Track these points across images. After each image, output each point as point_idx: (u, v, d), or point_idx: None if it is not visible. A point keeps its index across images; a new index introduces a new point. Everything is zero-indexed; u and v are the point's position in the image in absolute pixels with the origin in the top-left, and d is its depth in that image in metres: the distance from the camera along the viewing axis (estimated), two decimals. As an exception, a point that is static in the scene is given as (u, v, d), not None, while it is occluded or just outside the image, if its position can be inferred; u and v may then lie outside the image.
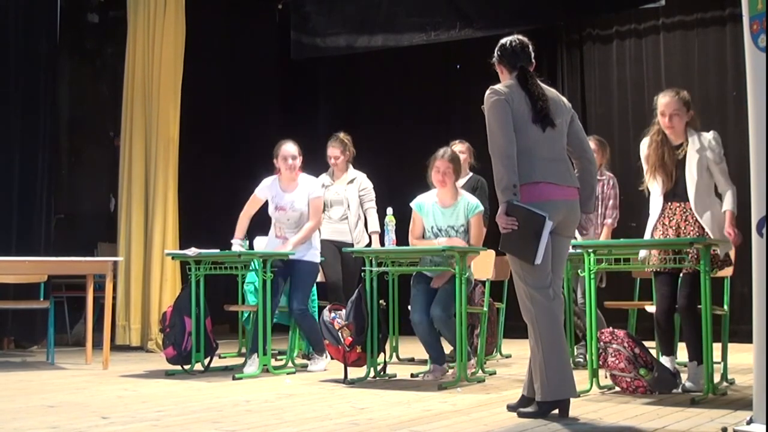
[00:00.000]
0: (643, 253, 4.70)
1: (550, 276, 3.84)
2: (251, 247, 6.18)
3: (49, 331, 6.55)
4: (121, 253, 7.67)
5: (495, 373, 5.60)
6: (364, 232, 6.65)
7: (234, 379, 5.41)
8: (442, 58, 9.45)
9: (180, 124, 7.87)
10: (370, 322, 5.24)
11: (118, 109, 8.09)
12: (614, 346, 4.57)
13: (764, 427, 3.10)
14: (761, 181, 3.22)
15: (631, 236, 5.77)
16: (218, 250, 5.90)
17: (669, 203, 4.66)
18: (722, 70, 8.23)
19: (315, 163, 6.63)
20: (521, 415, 3.82)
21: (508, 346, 6.90)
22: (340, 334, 5.22)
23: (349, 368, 5.22)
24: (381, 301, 5.41)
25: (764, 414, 3.12)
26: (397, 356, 6.56)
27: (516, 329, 6.34)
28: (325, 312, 5.39)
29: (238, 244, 5.95)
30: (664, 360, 4.70)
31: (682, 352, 4.75)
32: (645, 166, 4.77)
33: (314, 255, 5.97)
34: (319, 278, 6.37)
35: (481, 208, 5.50)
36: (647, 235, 4.72)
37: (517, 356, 6.53)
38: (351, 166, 6.69)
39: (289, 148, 5.98)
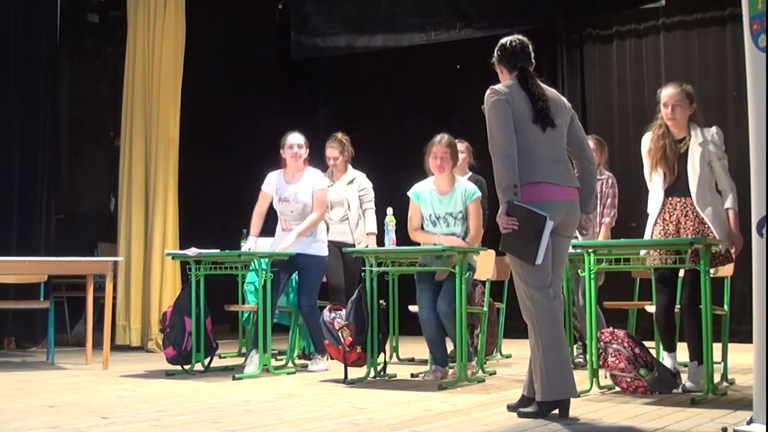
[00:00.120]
0: (647, 236, 4.71)
1: (550, 276, 3.84)
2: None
3: (49, 331, 6.55)
4: (121, 253, 7.67)
5: (495, 373, 5.60)
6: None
7: (234, 379, 5.41)
8: (442, 58, 9.45)
9: (180, 124, 7.88)
10: (370, 322, 5.24)
11: (118, 109, 8.10)
12: (614, 346, 4.57)
13: (764, 427, 3.10)
14: (761, 181, 3.22)
15: (631, 236, 5.77)
16: (218, 250, 5.90)
17: (669, 198, 4.66)
18: (722, 70, 8.23)
19: (315, 163, 6.61)
20: (521, 415, 3.82)
21: (508, 346, 6.91)
22: (340, 334, 5.22)
23: (349, 368, 5.22)
24: (381, 301, 5.41)
25: (764, 414, 3.12)
26: (397, 356, 6.56)
27: (516, 329, 6.34)
28: (326, 312, 5.39)
29: (252, 242, 5.94)
30: (666, 357, 4.70)
31: (683, 351, 4.75)
32: (646, 161, 4.76)
33: (320, 248, 5.95)
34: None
35: (479, 193, 5.44)
36: (648, 231, 4.72)
37: (517, 356, 6.53)
38: (350, 166, 6.69)
39: (295, 137, 6.01)
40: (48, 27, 7.97)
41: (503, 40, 4.06)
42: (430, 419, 3.82)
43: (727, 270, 4.98)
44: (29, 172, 7.71)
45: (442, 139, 5.42)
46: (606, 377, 4.74)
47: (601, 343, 4.62)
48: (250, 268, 5.98)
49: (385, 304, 5.56)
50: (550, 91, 3.99)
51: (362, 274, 5.39)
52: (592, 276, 4.60)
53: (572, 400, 3.85)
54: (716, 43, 8.35)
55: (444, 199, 5.42)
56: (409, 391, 4.77)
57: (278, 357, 6.62)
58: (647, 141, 4.76)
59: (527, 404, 3.90)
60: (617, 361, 4.54)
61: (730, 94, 8.09)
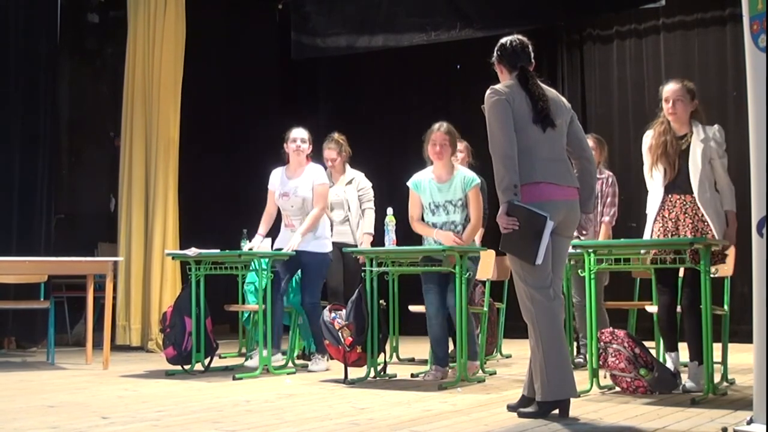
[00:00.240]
0: (647, 235, 4.71)
1: (550, 276, 3.84)
2: (271, 244, 6.17)
3: (49, 331, 6.55)
4: (121, 253, 7.67)
5: (495, 373, 5.60)
6: (366, 233, 6.64)
7: (234, 379, 5.41)
8: (442, 58, 9.44)
9: (180, 125, 7.88)
10: (371, 322, 5.24)
11: (118, 110, 8.10)
12: (614, 346, 4.57)
13: (764, 427, 3.10)
14: (761, 181, 3.22)
15: (631, 236, 5.77)
16: (218, 250, 5.90)
17: (669, 195, 4.66)
18: (722, 70, 8.24)
19: (316, 162, 6.62)
20: (521, 415, 3.82)
21: (508, 346, 6.91)
22: (340, 334, 5.22)
23: (349, 368, 5.22)
24: (381, 301, 5.41)
25: (764, 414, 3.12)
26: (398, 356, 6.56)
27: (516, 329, 6.34)
28: (326, 312, 5.39)
29: (258, 240, 5.95)
30: (669, 357, 4.69)
31: (683, 351, 4.75)
32: (646, 158, 4.76)
33: (321, 245, 5.95)
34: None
35: (478, 180, 5.41)
36: (648, 229, 4.73)
37: (517, 356, 6.53)
38: (348, 166, 6.68)
39: (298, 131, 6.03)
40: (48, 27, 7.97)
41: (503, 40, 4.06)
42: (430, 419, 3.82)
43: (727, 270, 4.98)
44: (29, 172, 7.72)
45: (441, 126, 5.42)
46: (606, 377, 4.74)
47: (601, 343, 4.62)
48: (250, 268, 5.99)
49: (385, 304, 5.56)
50: (550, 91, 3.99)
51: (362, 274, 5.38)
52: (592, 276, 4.60)
53: (572, 400, 3.85)
54: (716, 43, 8.35)
55: (443, 187, 5.41)
56: (409, 391, 4.77)
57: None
58: (648, 138, 4.77)
59: (527, 404, 3.90)
60: (617, 361, 4.54)
61: (730, 94, 8.09)
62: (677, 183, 4.64)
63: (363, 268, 5.37)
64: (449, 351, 5.57)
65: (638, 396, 4.45)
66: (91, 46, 9.14)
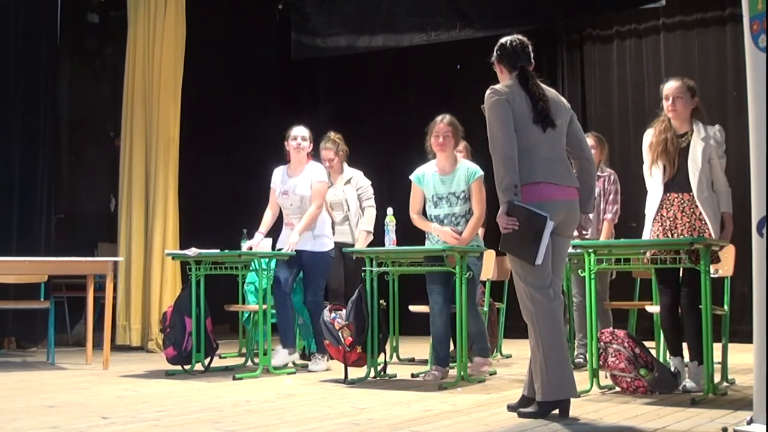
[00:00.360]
0: (646, 236, 4.72)
1: (550, 276, 3.84)
2: (273, 244, 6.17)
3: (49, 331, 6.55)
4: (121, 253, 7.68)
5: (495, 373, 5.59)
6: (366, 232, 6.63)
7: (234, 379, 5.41)
8: (442, 58, 9.45)
9: (180, 124, 7.88)
10: (371, 322, 5.24)
11: (118, 109, 8.10)
12: (614, 346, 4.57)
13: (764, 427, 3.10)
14: (761, 181, 3.22)
15: (631, 236, 5.76)
16: (218, 250, 5.90)
17: (667, 194, 4.66)
18: (722, 70, 8.24)
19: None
20: (521, 415, 3.82)
21: (508, 346, 6.91)
22: (340, 334, 5.22)
23: (349, 368, 5.22)
24: (381, 301, 5.41)
25: (764, 414, 3.11)
26: (398, 356, 6.56)
27: (516, 329, 6.34)
28: (326, 312, 5.39)
29: (259, 239, 5.96)
30: (672, 361, 4.67)
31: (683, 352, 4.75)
32: (646, 156, 4.77)
33: (321, 244, 5.95)
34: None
35: (481, 173, 5.38)
36: (647, 229, 4.73)
37: (517, 356, 6.53)
38: (346, 165, 6.67)
39: (299, 129, 6.05)
40: (48, 27, 7.97)
41: (503, 40, 4.06)
42: (430, 419, 3.82)
43: (727, 270, 4.98)
44: (29, 172, 7.72)
45: (443, 118, 5.42)
46: (606, 377, 4.74)
47: (602, 344, 4.62)
48: (251, 268, 5.99)
49: (385, 304, 5.56)
50: (550, 91, 3.99)
51: (362, 274, 5.39)
52: (593, 276, 4.60)
53: (572, 400, 3.85)
54: (716, 43, 8.35)
55: (446, 179, 5.41)
56: (409, 391, 4.77)
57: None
58: (649, 137, 4.77)
59: (527, 404, 3.90)
60: (617, 361, 4.54)
61: (730, 94, 8.10)
62: (676, 181, 4.64)
63: (363, 268, 5.36)
64: (450, 351, 5.56)
65: (638, 396, 4.45)
66: (91, 46, 9.14)
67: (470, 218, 5.35)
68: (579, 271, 5.11)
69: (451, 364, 5.42)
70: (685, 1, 8.46)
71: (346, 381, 5.14)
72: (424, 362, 6.19)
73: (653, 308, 5.01)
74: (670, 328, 4.71)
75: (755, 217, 3.24)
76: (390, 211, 5.49)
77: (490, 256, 5.86)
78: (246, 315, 6.65)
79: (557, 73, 9.04)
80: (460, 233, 5.31)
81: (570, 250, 4.39)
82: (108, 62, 9.03)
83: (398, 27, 8.61)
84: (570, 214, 3.91)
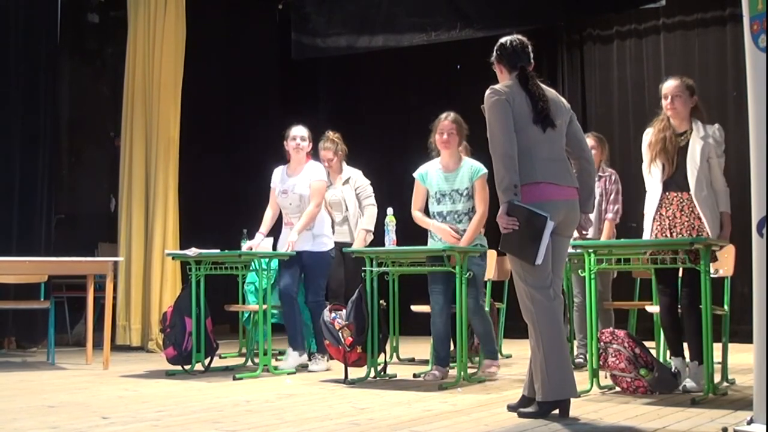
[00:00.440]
0: (646, 235, 4.72)
1: (550, 276, 3.84)
2: (274, 244, 6.18)
3: (49, 331, 6.55)
4: (121, 254, 7.68)
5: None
6: (365, 231, 6.63)
7: (234, 379, 5.41)
8: (442, 58, 9.44)
9: (180, 124, 7.88)
10: (371, 322, 5.24)
11: (118, 110, 8.10)
12: (614, 346, 4.57)
13: (764, 427, 3.10)
14: (761, 181, 3.22)
15: (631, 236, 5.77)
16: (218, 250, 5.90)
17: (666, 193, 4.67)
18: (722, 70, 8.24)
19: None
20: (521, 415, 3.82)
21: (508, 346, 6.90)
22: (340, 334, 5.22)
23: (349, 368, 5.21)
24: (381, 301, 5.41)
25: (764, 414, 3.12)
26: (398, 356, 6.56)
27: (516, 329, 6.34)
28: (326, 312, 5.39)
29: (259, 239, 5.97)
30: (673, 362, 4.67)
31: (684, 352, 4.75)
32: (646, 155, 4.77)
33: (320, 244, 5.95)
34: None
35: (485, 170, 5.36)
36: (647, 229, 4.73)
37: (517, 356, 6.53)
38: (345, 165, 6.67)
39: (298, 129, 6.06)
40: (48, 27, 7.97)
41: (503, 40, 4.06)
42: (430, 419, 3.82)
43: (727, 270, 4.98)
44: (29, 172, 7.72)
45: (448, 115, 5.42)
46: (606, 377, 4.74)
47: (602, 344, 4.62)
48: (251, 268, 5.99)
49: (385, 304, 5.56)
50: (550, 92, 3.99)
51: (362, 274, 5.39)
52: (593, 276, 4.60)
53: (572, 400, 3.85)
54: (716, 43, 8.35)
55: (450, 176, 5.41)
56: (409, 391, 4.77)
57: (278, 357, 6.62)
58: (648, 135, 4.78)
59: (527, 404, 3.90)
60: (617, 362, 4.54)
61: (730, 94, 8.10)
62: (675, 179, 4.65)
63: (363, 268, 5.36)
64: (450, 351, 5.56)
65: (638, 396, 4.45)
66: (91, 46, 9.14)
67: (473, 216, 5.34)
68: (579, 271, 5.11)
69: (451, 364, 5.42)
70: (685, 1, 8.46)
71: (346, 381, 5.14)
72: (424, 362, 6.19)
73: (653, 308, 5.01)
74: (670, 328, 4.71)
75: (755, 217, 3.24)
76: (390, 211, 5.49)
77: (490, 256, 5.86)
78: (246, 315, 6.65)
79: (557, 73, 9.04)
80: (460, 231, 5.30)
81: (570, 250, 4.39)
82: (108, 62, 9.03)
83: (398, 27, 8.61)
84: (570, 214, 3.91)
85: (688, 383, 4.54)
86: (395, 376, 5.47)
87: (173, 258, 6.71)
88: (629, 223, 6.97)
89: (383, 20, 8.69)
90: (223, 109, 9.57)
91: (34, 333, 7.65)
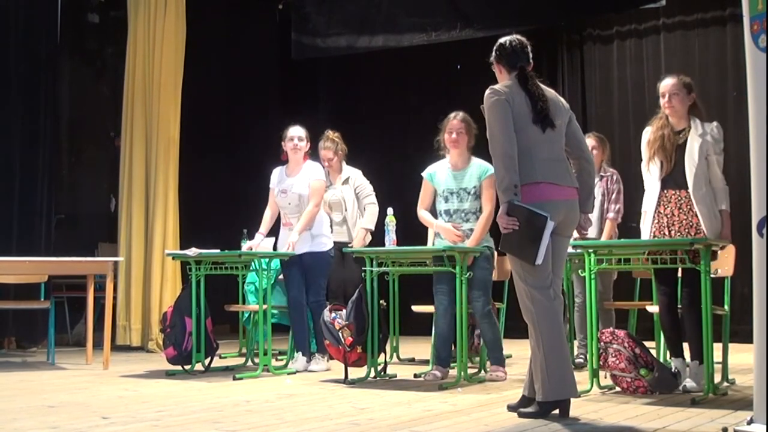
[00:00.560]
0: (645, 234, 4.72)
1: (550, 276, 3.84)
2: (274, 244, 6.17)
3: (49, 331, 6.55)
4: (121, 254, 7.68)
5: (495, 374, 5.59)
6: (365, 231, 6.62)
7: (234, 379, 5.41)
8: (442, 58, 9.44)
9: (180, 124, 7.88)
10: (371, 322, 5.24)
11: (118, 110, 8.10)
12: (615, 346, 4.57)
13: (764, 427, 3.10)
14: (761, 181, 3.22)
15: (631, 236, 5.76)
16: (218, 250, 5.90)
17: (665, 191, 4.67)
18: (722, 70, 8.24)
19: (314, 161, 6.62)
20: (522, 415, 3.82)
21: (508, 346, 6.85)
22: (340, 334, 5.22)
23: (349, 368, 5.21)
24: (381, 301, 5.41)
25: (764, 414, 3.12)
26: (398, 356, 6.56)
27: (516, 329, 6.32)
28: (326, 312, 5.39)
29: (260, 239, 5.97)
30: (673, 362, 4.67)
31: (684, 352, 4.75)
32: (644, 153, 4.77)
33: (320, 244, 5.95)
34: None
35: (493, 170, 5.39)
36: (646, 228, 4.73)
37: (517, 356, 6.52)
38: (344, 164, 6.67)
39: (295, 130, 6.05)
40: (48, 27, 7.98)
41: (502, 40, 4.06)
42: (430, 419, 3.82)
43: (727, 270, 4.98)
44: (29, 172, 7.72)
45: (456, 115, 5.43)
46: (606, 377, 4.74)
47: (602, 344, 4.61)
48: (251, 268, 5.99)
49: (385, 304, 5.56)
50: (549, 92, 3.99)
51: (362, 274, 5.39)
52: (593, 276, 4.60)
53: (573, 400, 3.85)
54: (716, 43, 8.35)
55: (459, 174, 5.42)
56: (409, 392, 4.77)
57: (279, 357, 6.62)
58: (647, 134, 4.78)
59: (527, 404, 3.90)
60: (618, 362, 4.54)
61: (730, 94, 8.10)
62: (673, 177, 4.65)
63: (363, 268, 5.36)
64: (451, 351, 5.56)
65: (638, 396, 4.45)
66: (91, 46, 9.14)
67: (480, 215, 5.34)
68: (579, 271, 5.10)
69: (451, 364, 5.42)
70: (685, 1, 8.46)
71: (346, 381, 5.14)
72: (424, 362, 6.19)
73: (653, 308, 5.01)
74: (670, 328, 4.71)
75: (755, 217, 3.24)
76: (390, 211, 5.49)
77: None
78: (246, 315, 6.65)
79: (557, 73, 9.04)
80: (465, 230, 5.30)
81: (570, 250, 4.39)
82: (108, 62, 9.03)
83: (398, 27, 8.61)
84: (570, 214, 3.92)
85: (689, 383, 4.54)
86: (395, 376, 5.47)
87: (173, 258, 6.71)
88: (630, 223, 6.97)
89: (383, 20, 8.69)
90: (223, 109, 9.57)
91: (34, 333, 7.65)
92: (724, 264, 4.93)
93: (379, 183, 6.90)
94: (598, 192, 5.89)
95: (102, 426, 3.71)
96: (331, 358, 5.66)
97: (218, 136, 9.46)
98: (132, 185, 7.79)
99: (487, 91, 3.86)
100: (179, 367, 5.73)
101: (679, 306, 4.69)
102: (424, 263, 5.47)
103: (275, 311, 6.11)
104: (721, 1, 8.26)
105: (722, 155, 4.66)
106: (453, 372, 5.29)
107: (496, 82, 4.00)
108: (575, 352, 5.89)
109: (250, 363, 6.28)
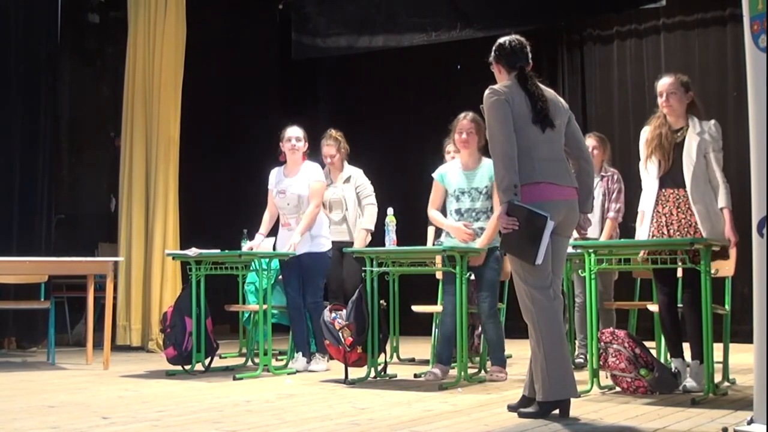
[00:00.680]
0: (642, 235, 4.72)
1: (550, 276, 3.84)
2: (274, 244, 6.17)
3: (49, 331, 6.55)
4: (121, 254, 7.68)
5: (495, 374, 5.59)
6: (364, 231, 6.62)
7: (235, 379, 5.41)
8: (442, 58, 9.45)
9: (180, 124, 7.88)
10: (371, 323, 5.24)
11: (118, 110, 8.11)
12: (615, 346, 4.57)
13: (765, 427, 3.10)
14: (761, 181, 3.22)
15: (631, 236, 5.75)
16: (219, 250, 5.90)
17: (663, 190, 4.67)
18: (722, 70, 8.24)
19: (314, 161, 6.61)
20: (522, 415, 3.82)
21: (509, 346, 6.83)
22: (340, 334, 5.22)
23: (349, 368, 5.21)
24: (381, 301, 5.41)
25: (765, 414, 3.12)
26: (398, 356, 6.56)
27: (516, 329, 6.32)
28: (326, 312, 5.39)
29: (260, 240, 5.98)
30: (673, 362, 4.67)
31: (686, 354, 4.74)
32: (642, 152, 4.77)
33: (318, 245, 5.95)
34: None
35: None
36: (645, 228, 4.72)
37: (517, 356, 6.52)
38: (346, 163, 6.67)
39: (293, 130, 6.05)
40: (48, 27, 7.98)
41: (501, 40, 4.06)
42: (430, 419, 3.82)
43: (727, 270, 4.98)
44: (29, 172, 7.72)
45: (466, 115, 5.44)
46: (606, 377, 4.74)
47: (602, 344, 4.61)
48: (251, 268, 5.99)
49: (385, 304, 5.56)
50: (548, 92, 3.99)
51: (362, 273, 5.38)
52: (593, 276, 4.60)
53: (573, 400, 3.85)
54: (716, 43, 8.35)
55: (470, 174, 5.43)
56: (409, 392, 4.77)
57: (279, 357, 6.62)
58: (645, 133, 4.78)
59: (528, 404, 3.90)
60: (618, 362, 4.54)
61: (730, 94, 8.10)
62: (671, 176, 4.64)
63: (363, 268, 5.37)
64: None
65: (639, 396, 4.45)
66: (91, 47, 9.14)
67: (491, 215, 5.34)
68: (579, 271, 5.11)
69: (452, 364, 5.42)
70: (685, 1, 8.46)
71: (346, 381, 5.14)
72: (424, 362, 6.19)
73: (654, 307, 5.01)
74: (670, 327, 4.70)
75: (755, 217, 3.24)
76: (390, 211, 5.49)
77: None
78: (246, 315, 6.66)
79: (557, 73, 9.04)
80: (476, 229, 5.31)
81: (570, 250, 4.39)
82: (108, 62, 9.03)
83: (398, 27, 8.61)
84: (570, 214, 3.92)
85: (689, 383, 4.54)
86: (395, 376, 5.47)
87: (173, 258, 6.71)
88: (630, 223, 6.97)
89: (383, 20, 8.69)
90: (223, 109, 9.57)
91: (34, 333, 7.65)
92: (724, 264, 4.93)
93: (379, 183, 6.90)
94: (598, 192, 5.89)
95: (102, 426, 3.71)
96: (331, 358, 5.65)
97: (218, 136, 9.46)
98: (132, 185, 7.79)
99: (487, 91, 3.86)
100: (179, 367, 5.73)
101: (680, 306, 4.69)
102: (425, 263, 5.47)
103: (275, 311, 6.11)
104: (721, 1, 8.26)
105: (722, 153, 4.65)
106: (453, 372, 5.29)
107: (495, 82, 4.00)
108: (575, 352, 5.89)
109: (250, 363, 6.28)
